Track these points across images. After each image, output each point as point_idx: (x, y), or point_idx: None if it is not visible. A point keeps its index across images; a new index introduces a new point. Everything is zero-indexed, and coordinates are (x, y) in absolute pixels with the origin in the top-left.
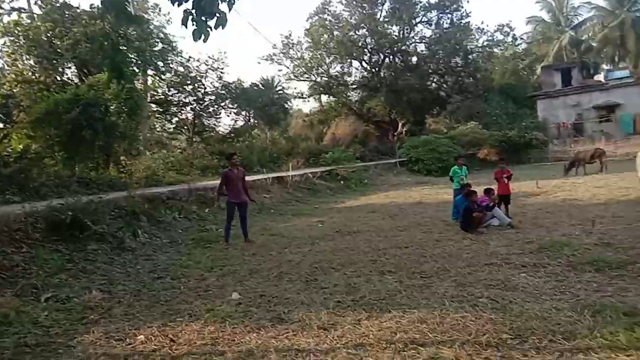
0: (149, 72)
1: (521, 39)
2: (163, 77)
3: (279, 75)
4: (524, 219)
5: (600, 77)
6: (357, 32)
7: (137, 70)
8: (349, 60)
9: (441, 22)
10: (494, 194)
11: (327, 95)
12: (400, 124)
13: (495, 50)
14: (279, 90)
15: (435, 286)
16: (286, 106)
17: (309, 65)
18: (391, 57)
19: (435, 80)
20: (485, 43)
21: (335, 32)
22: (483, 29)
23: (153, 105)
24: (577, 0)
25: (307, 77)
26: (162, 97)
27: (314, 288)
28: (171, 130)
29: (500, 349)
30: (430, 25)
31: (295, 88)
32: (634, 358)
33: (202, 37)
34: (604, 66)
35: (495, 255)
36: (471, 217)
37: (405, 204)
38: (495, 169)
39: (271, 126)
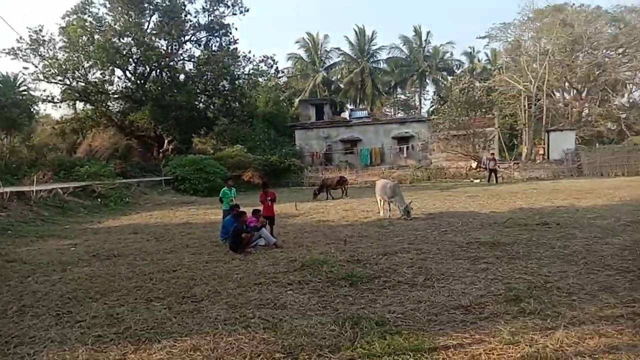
0: None
1: (282, 72)
2: None
3: (24, 74)
4: (287, 239)
5: (345, 114)
6: (122, 40)
7: None
8: (111, 68)
9: (210, 44)
10: (261, 215)
11: (83, 103)
12: (166, 141)
13: (259, 79)
14: (23, 90)
15: (207, 310)
16: (32, 110)
17: (64, 67)
18: (158, 71)
19: (203, 100)
20: (251, 71)
21: (97, 36)
22: (250, 58)
23: None
24: (329, 44)
25: (61, 80)
26: None
27: (68, 322)
28: None
29: None
30: (200, 45)
31: (44, 90)
32: None
33: None
34: (348, 106)
35: (263, 275)
36: (240, 237)
37: (171, 224)
38: (260, 191)
39: (10, 132)
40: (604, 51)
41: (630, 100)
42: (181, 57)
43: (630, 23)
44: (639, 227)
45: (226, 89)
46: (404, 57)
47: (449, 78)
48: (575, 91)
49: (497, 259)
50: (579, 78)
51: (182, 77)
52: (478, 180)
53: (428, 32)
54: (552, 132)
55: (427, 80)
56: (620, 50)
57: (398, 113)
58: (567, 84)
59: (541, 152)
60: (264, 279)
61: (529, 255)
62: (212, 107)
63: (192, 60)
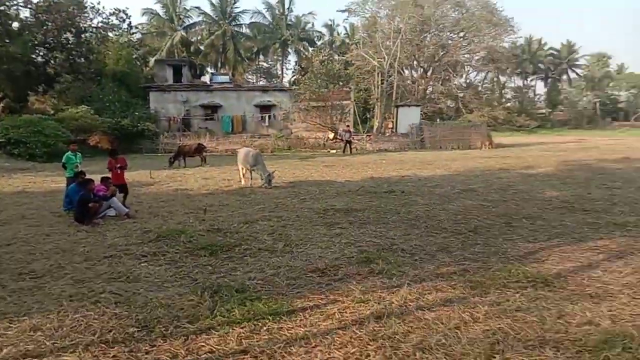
0: None
1: (136, 28)
2: None
3: None
4: (140, 209)
5: (206, 78)
6: None
7: None
8: None
9: None
10: (111, 183)
11: None
12: None
13: (110, 34)
14: None
15: (49, 286)
16: None
17: None
18: None
19: (42, 53)
20: (100, 24)
21: None
22: (99, 9)
23: None
24: (189, 2)
25: None
26: None
27: None
28: None
29: (127, 344)
30: None
31: None
32: (246, 329)
33: None
34: (209, 69)
35: (114, 247)
36: (87, 207)
37: (3, 193)
38: (109, 158)
39: None
40: (448, 34)
41: (467, 81)
42: (15, 2)
43: (471, 10)
44: (470, 195)
45: (70, 42)
46: (267, 23)
47: (310, 49)
48: (422, 70)
49: (350, 224)
50: (426, 57)
51: (15, 25)
52: (334, 151)
53: (291, 0)
54: (400, 107)
55: (290, 50)
56: (462, 34)
57: (260, 81)
58: (415, 62)
59: (390, 125)
60: (114, 251)
61: (378, 220)
62: (53, 61)
63: (30, 6)
